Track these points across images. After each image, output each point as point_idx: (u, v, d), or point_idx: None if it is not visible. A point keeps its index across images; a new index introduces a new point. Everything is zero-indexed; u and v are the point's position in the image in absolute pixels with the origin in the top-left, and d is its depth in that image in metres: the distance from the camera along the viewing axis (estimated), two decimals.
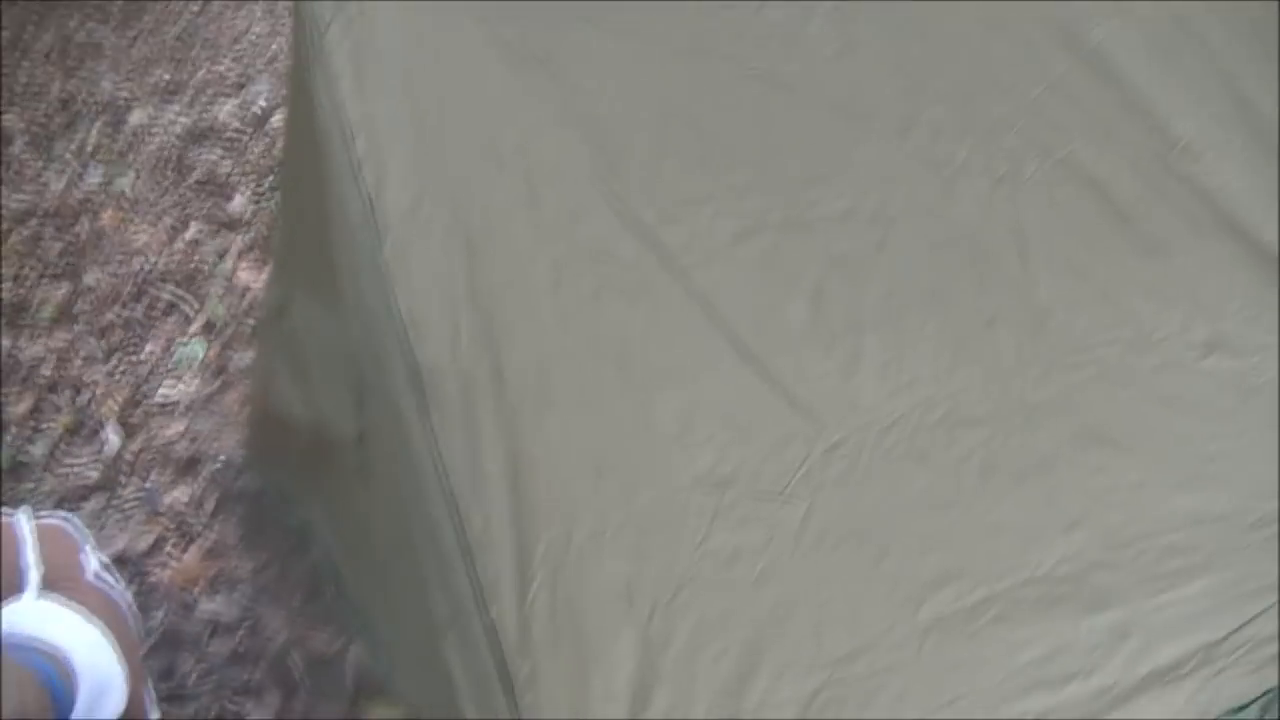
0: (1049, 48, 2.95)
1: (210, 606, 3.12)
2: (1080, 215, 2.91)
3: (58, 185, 5.35)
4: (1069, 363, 2.81)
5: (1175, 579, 2.76)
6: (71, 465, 3.76)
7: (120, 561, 3.25)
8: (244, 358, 4.15)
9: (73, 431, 3.90)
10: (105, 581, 1.81)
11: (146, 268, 4.77)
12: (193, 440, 3.78)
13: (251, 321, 4.31)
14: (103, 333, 4.38)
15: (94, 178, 5.40)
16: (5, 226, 5.05)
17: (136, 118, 5.86)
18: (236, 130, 5.65)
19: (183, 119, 5.80)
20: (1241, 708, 2.64)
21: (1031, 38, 2.94)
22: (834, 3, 2.74)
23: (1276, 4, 3.29)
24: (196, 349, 4.29)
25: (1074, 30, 2.98)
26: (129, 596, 1.86)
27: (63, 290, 4.64)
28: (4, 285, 4.67)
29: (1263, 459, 2.94)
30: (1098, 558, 2.71)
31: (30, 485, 3.67)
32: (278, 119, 5.55)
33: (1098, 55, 2.99)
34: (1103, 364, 2.84)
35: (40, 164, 5.53)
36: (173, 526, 3.42)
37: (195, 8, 6.75)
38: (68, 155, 5.59)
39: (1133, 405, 2.86)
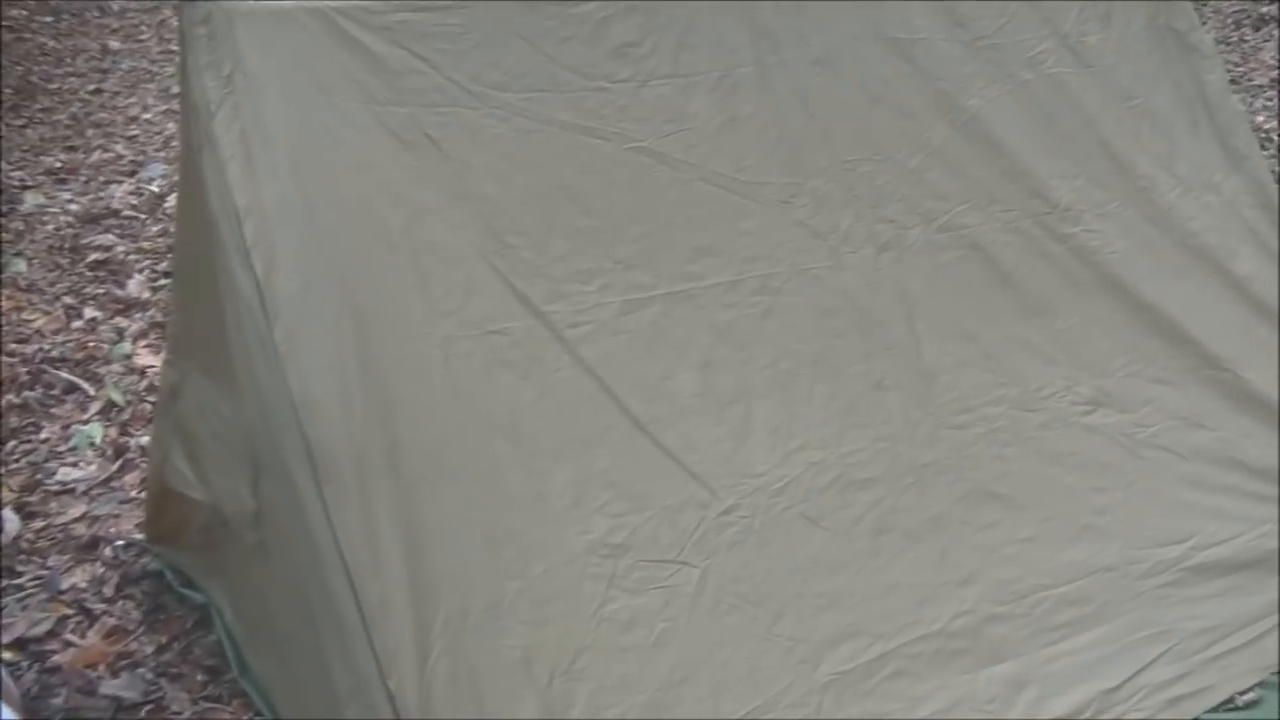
0: (928, 117, 3.11)
1: (113, 687, 3.15)
2: (964, 279, 3.07)
3: None
4: (957, 423, 2.96)
5: (1069, 629, 2.92)
6: None
7: (20, 645, 3.28)
8: (143, 439, 4.20)
9: None
10: None
11: (43, 351, 4.81)
12: (92, 522, 3.82)
13: (150, 403, 4.36)
14: None
15: None
16: None
17: (30, 202, 5.91)
18: (132, 213, 5.71)
19: (77, 202, 5.86)
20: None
21: (911, 107, 3.10)
22: (716, 78, 2.89)
23: (1153, 68, 3.49)
24: (95, 431, 4.33)
25: (952, 99, 3.14)
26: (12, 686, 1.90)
27: None
28: None
29: (1151, 510, 3.11)
30: (992, 611, 2.86)
31: None
32: (173, 201, 5.63)
33: (976, 123, 3.16)
34: (990, 423, 3.00)
35: None
36: (73, 608, 3.45)
37: (89, 91, 6.82)
38: None
39: (1021, 462, 3.01)
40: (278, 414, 2.37)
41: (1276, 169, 6.53)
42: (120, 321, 4.99)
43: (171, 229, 5.25)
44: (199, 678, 3.17)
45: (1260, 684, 2.94)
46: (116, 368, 4.72)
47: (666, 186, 2.79)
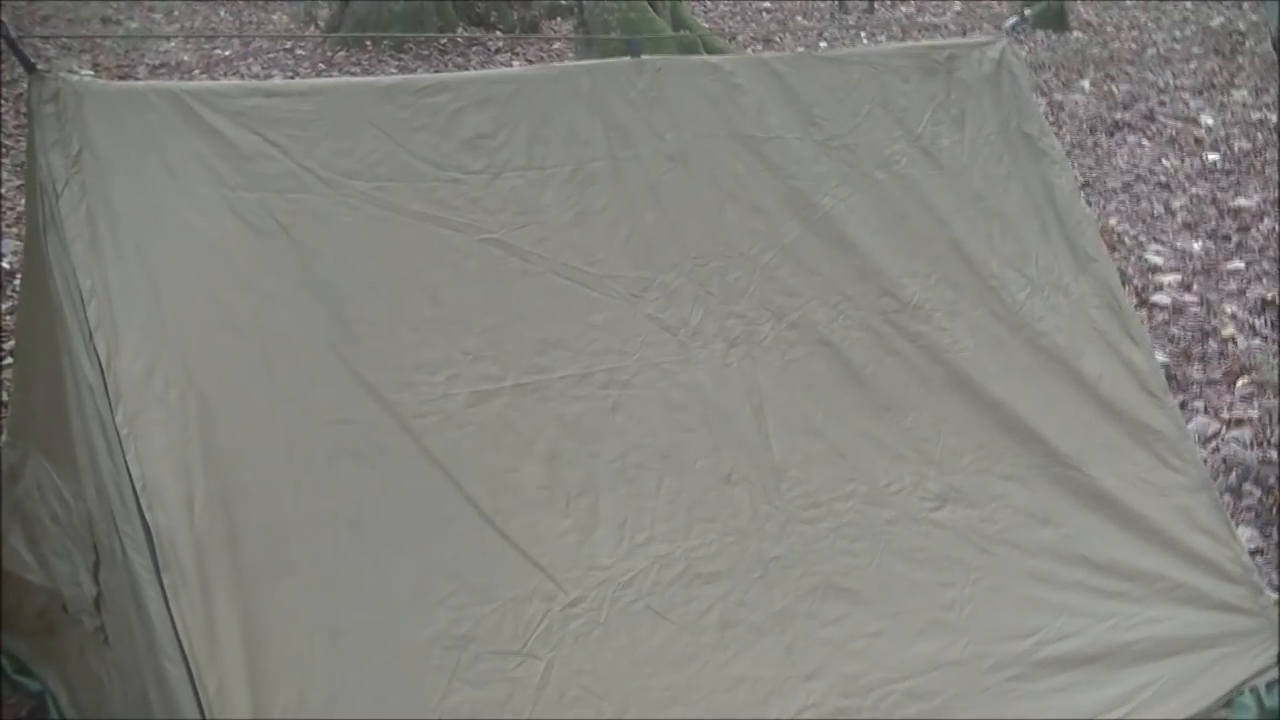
0: (781, 214, 3.32)
1: None
2: (814, 375, 3.28)
3: None
4: (805, 518, 3.15)
5: None
6: None
7: None
8: None
9: None
10: None
11: None
12: None
13: None
14: None
15: None
16: None
17: None
18: None
19: None
20: None
21: (763, 205, 3.30)
22: (569, 171, 3.08)
23: (1004, 171, 3.76)
24: None
25: (805, 197, 3.36)
26: None
27: None
28: None
29: (998, 605, 3.33)
30: (839, 705, 3.04)
31: None
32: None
33: (828, 221, 3.38)
34: (838, 518, 3.20)
35: None
36: None
37: None
38: None
39: (869, 557, 3.21)
40: (117, 499, 2.48)
41: (1128, 269, 6.94)
42: None
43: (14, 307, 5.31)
44: None
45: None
46: None
47: (517, 278, 2.96)
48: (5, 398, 4.69)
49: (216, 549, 2.52)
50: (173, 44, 13.08)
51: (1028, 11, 3.89)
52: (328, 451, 2.70)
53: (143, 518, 2.45)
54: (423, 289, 2.87)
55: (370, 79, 3.09)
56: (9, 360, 5.12)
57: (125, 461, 2.47)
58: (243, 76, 11.19)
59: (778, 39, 14.47)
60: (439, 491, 2.78)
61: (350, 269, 2.81)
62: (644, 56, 3.26)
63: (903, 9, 17.05)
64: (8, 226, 6.28)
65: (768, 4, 17.12)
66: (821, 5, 16.77)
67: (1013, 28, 4.01)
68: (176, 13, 15.41)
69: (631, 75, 3.22)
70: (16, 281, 5.73)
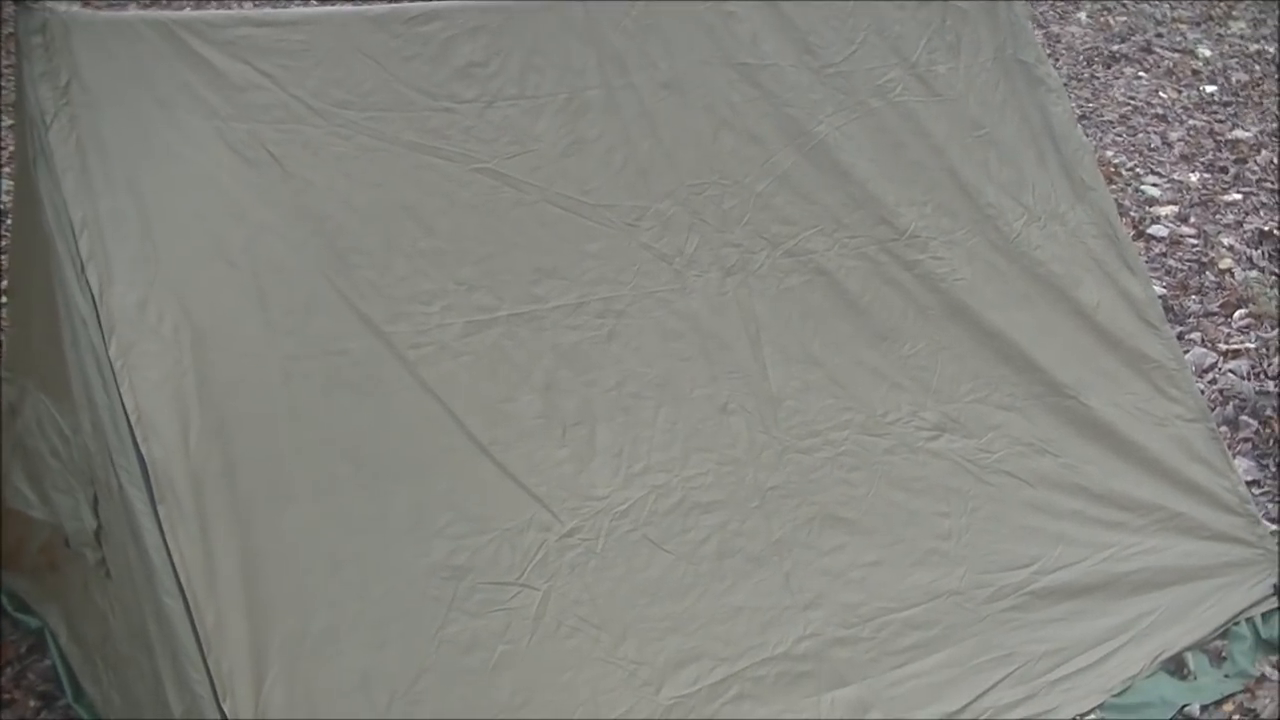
0: (776, 142, 3.31)
1: None
2: (810, 304, 3.28)
3: None
4: (802, 447, 3.16)
5: (914, 653, 3.15)
6: None
7: None
8: None
9: None
10: None
11: None
12: None
13: None
14: None
15: None
16: None
17: None
18: None
19: None
20: None
21: (758, 133, 3.30)
22: (562, 100, 3.07)
23: (1001, 99, 3.75)
24: None
25: (800, 125, 3.35)
26: None
27: None
28: None
29: (996, 535, 3.35)
30: (836, 635, 3.07)
31: None
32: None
33: (824, 149, 3.37)
34: (836, 448, 3.21)
35: None
36: None
37: None
38: None
39: (866, 487, 3.23)
40: (113, 432, 2.49)
41: (1125, 201, 6.94)
42: None
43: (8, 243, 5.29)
44: (31, 703, 3.27)
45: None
46: None
47: (511, 208, 2.96)
48: (2, 334, 4.69)
49: (213, 481, 2.53)
50: None
51: None
52: (324, 382, 2.70)
53: (138, 450, 2.46)
54: (416, 219, 2.86)
55: (361, 8, 3.07)
56: (4, 298, 5.11)
57: (119, 394, 2.47)
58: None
59: None
60: (435, 422, 2.78)
61: (343, 199, 2.80)
62: None
63: None
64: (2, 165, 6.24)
65: None
66: None
67: None
68: None
69: (625, 4, 3.19)
70: (9, 221, 5.72)
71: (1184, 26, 11.30)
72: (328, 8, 3.28)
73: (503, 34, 3.03)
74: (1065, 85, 8.88)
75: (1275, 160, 7.81)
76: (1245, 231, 6.74)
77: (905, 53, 3.61)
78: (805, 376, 3.23)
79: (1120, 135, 8.27)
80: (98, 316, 2.49)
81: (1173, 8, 12.00)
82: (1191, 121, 8.60)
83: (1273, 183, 7.44)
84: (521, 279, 2.94)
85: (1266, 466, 4.57)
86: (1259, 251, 6.50)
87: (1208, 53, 10.36)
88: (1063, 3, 11.76)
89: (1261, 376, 5.19)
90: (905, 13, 3.63)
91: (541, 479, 2.86)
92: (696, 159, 3.22)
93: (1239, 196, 7.23)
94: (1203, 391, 4.82)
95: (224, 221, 2.68)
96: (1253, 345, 5.45)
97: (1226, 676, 3.48)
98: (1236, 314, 5.76)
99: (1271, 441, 4.71)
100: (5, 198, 5.94)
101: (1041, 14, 11.37)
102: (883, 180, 3.47)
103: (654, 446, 3.00)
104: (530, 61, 3.05)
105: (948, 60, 3.68)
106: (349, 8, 3.24)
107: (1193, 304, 5.85)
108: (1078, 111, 8.47)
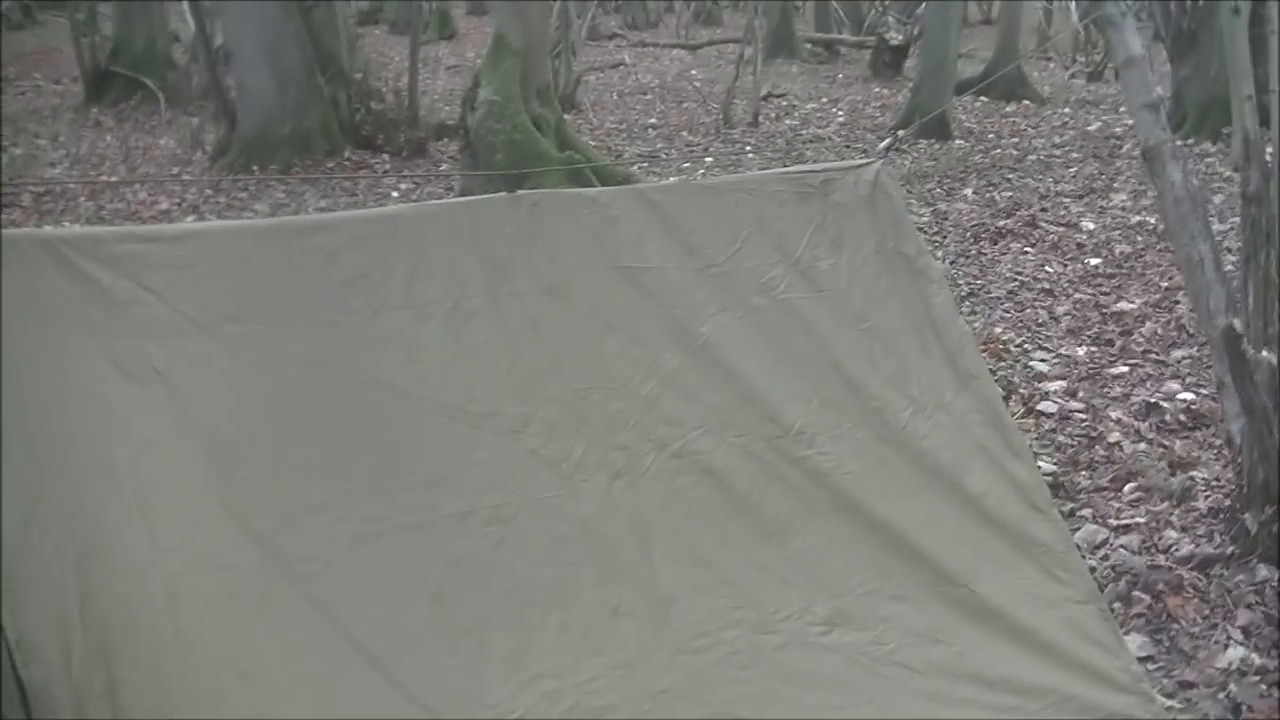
0: (661, 344, 3.36)
1: None
2: (699, 504, 3.31)
3: None
4: (693, 648, 3.18)
5: None
6: None
7: None
8: None
9: None
10: None
11: None
12: None
13: None
14: None
15: None
16: None
17: None
18: None
19: None
20: None
21: (643, 335, 3.35)
22: (448, 309, 3.11)
23: (883, 291, 3.84)
24: None
25: (685, 326, 3.40)
26: None
27: None
28: None
29: None
30: None
31: None
32: None
33: (709, 349, 3.42)
34: (727, 647, 3.23)
35: None
36: None
37: None
38: None
39: (759, 684, 3.24)
40: None
41: (1014, 378, 7.09)
42: None
43: None
44: None
45: None
46: None
47: (399, 418, 2.99)
48: None
49: (95, 702, 2.52)
50: (57, 170, 13.05)
51: (901, 132, 3.99)
52: (211, 599, 2.69)
53: (16, 675, 2.43)
54: (305, 431, 2.89)
55: (248, 223, 3.12)
56: None
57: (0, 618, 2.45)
58: (129, 203, 11.16)
59: (663, 155, 14.67)
60: (324, 636, 2.78)
61: (230, 413, 2.82)
62: (521, 191, 3.30)
63: (788, 122, 17.37)
64: None
65: (654, 120, 17.38)
66: (707, 121, 17.01)
67: (887, 148, 4.10)
68: (62, 138, 15.37)
69: (508, 210, 3.25)
70: None
71: (1068, 200, 11.68)
72: (215, 223, 3.33)
73: (387, 244, 3.07)
74: (953, 262, 9.19)
75: (1159, 331, 8.02)
76: (1132, 404, 6.90)
77: (788, 249, 3.66)
78: (695, 577, 3.25)
79: (1008, 311, 8.48)
80: None
81: (1056, 181, 12.40)
82: (1077, 295, 8.84)
83: (1158, 354, 7.64)
84: (410, 488, 2.96)
85: (1160, 641, 4.63)
86: (1146, 423, 6.64)
87: (1091, 225, 10.69)
88: (950, 181, 12.12)
89: (1153, 550, 5.28)
90: (787, 209, 3.70)
91: (432, 688, 2.86)
92: (582, 363, 3.26)
93: (1125, 369, 7.41)
94: (1095, 568, 4.92)
95: (108, 439, 2.69)
96: (1143, 519, 5.54)
97: None
98: (1126, 488, 5.86)
99: (1164, 615, 4.78)
100: None
101: (929, 191, 11.71)
102: (768, 378, 3.52)
103: (545, 652, 3.01)
104: (415, 270, 3.09)
105: (830, 255, 3.74)
106: (235, 223, 3.29)
107: (1083, 479, 5.96)
108: (966, 288, 8.70)
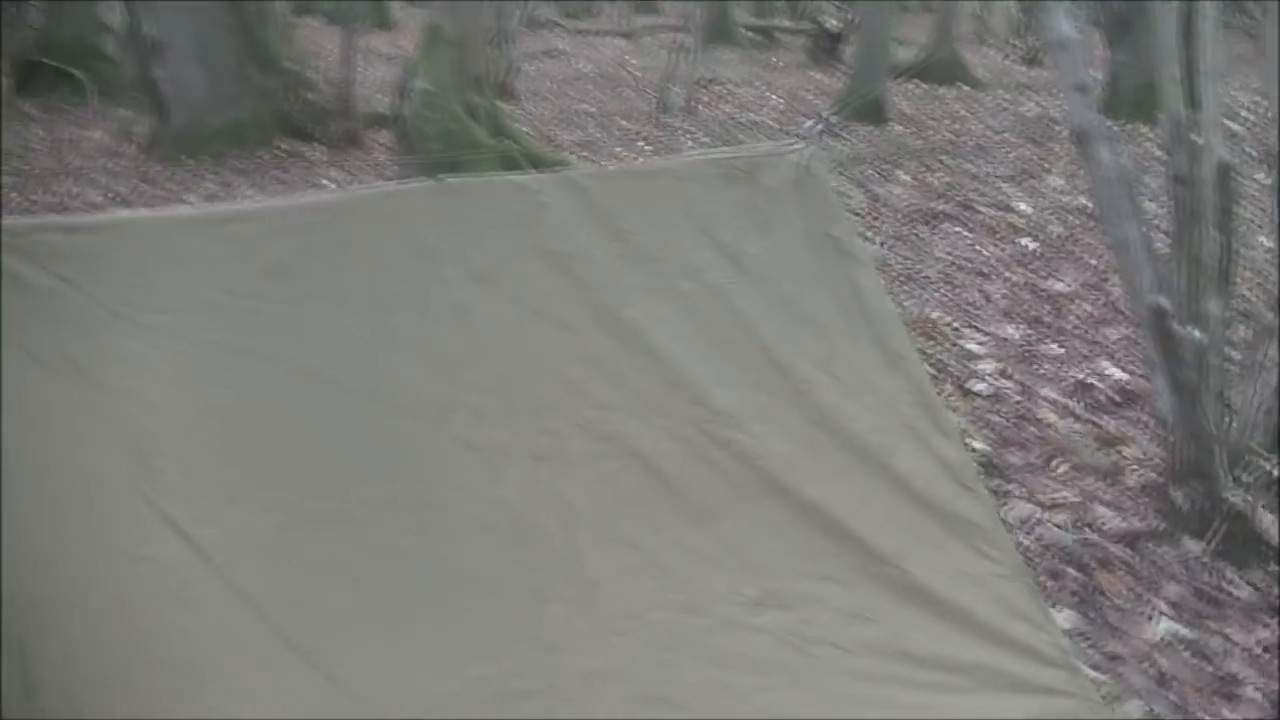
0: (587, 329, 3.35)
1: None
2: (626, 488, 3.31)
3: None
4: (621, 629, 3.18)
5: None
6: None
7: None
8: None
9: None
10: None
11: None
12: None
13: None
14: None
15: None
16: None
17: None
18: None
19: None
20: None
21: (570, 320, 3.34)
22: (372, 296, 3.10)
23: (811, 274, 3.85)
24: None
25: (612, 311, 3.40)
26: None
27: None
28: None
29: (820, 706, 3.38)
30: None
31: None
32: None
33: (636, 333, 3.42)
34: (655, 629, 3.23)
35: None
36: None
37: None
38: None
39: (687, 666, 3.25)
40: None
41: (947, 359, 7.14)
42: None
43: None
44: None
45: None
46: None
47: (320, 406, 2.97)
48: None
49: (10, 696, 2.48)
50: None
51: (830, 115, 3.97)
52: (130, 591, 2.67)
53: None
54: (225, 420, 2.86)
55: (167, 212, 3.10)
56: None
57: None
58: (55, 194, 11.04)
59: (599, 141, 14.66)
60: (246, 626, 2.76)
61: (149, 404, 2.79)
62: (446, 178, 3.28)
63: (724, 108, 17.39)
64: None
65: (589, 107, 17.34)
66: (642, 107, 16.99)
67: (817, 132, 4.09)
68: None
69: (434, 197, 3.24)
70: None
71: (1003, 183, 11.75)
72: (133, 213, 3.30)
73: (311, 232, 3.06)
74: (888, 245, 9.23)
75: (1092, 311, 8.10)
76: (1064, 383, 6.97)
77: (716, 234, 3.66)
78: (623, 560, 3.25)
79: (943, 292, 8.53)
80: None
81: (992, 165, 12.48)
82: (1011, 276, 8.91)
83: (1090, 333, 7.71)
84: (334, 476, 2.95)
85: (1090, 615, 4.68)
86: (1078, 402, 6.71)
87: (1026, 208, 10.76)
88: (886, 165, 12.17)
89: (1083, 526, 5.34)
90: (715, 193, 3.71)
91: (358, 675, 2.84)
92: (507, 349, 3.25)
93: (1058, 348, 7.48)
94: (1026, 545, 4.96)
95: (24, 434, 2.65)
96: (1074, 497, 5.61)
97: None
98: (1058, 466, 5.93)
99: (1094, 590, 4.84)
100: None
101: (864, 174, 11.75)
102: (696, 361, 3.52)
103: (470, 638, 3.00)
104: (339, 258, 3.08)
105: (758, 240, 3.74)
106: (154, 212, 3.26)
107: (1015, 458, 6.01)
108: (901, 271, 8.75)
